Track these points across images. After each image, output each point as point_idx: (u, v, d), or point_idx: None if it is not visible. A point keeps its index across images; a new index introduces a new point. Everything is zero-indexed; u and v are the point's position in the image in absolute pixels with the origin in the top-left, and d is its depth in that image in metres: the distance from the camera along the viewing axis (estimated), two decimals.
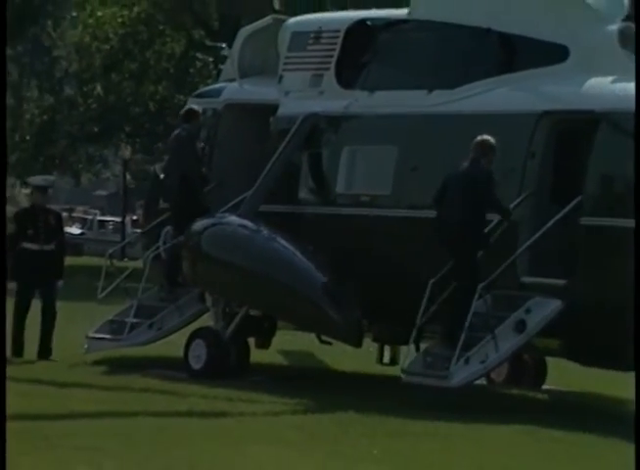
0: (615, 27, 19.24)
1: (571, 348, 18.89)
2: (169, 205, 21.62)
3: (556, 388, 20.91)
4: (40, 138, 59.39)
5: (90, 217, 69.10)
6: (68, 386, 18.53)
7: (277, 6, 23.26)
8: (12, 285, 21.21)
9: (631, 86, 18.46)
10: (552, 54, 19.25)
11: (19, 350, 20.85)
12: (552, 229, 18.07)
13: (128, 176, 67.99)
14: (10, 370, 18.88)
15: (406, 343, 19.07)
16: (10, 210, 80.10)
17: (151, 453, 13.39)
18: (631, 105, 18.05)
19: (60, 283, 21.55)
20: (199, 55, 53.60)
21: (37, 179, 24.18)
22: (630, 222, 17.73)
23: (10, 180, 72.34)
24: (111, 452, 13.26)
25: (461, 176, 18.12)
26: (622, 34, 19.36)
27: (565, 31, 19.18)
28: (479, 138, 18.05)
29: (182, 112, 22.39)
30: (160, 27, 56.08)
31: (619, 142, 18.24)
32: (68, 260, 47.97)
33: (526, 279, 18.35)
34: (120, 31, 55.39)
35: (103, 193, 79.63)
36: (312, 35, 21.43)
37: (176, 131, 21.66)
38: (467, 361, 17.84)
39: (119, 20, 55.30)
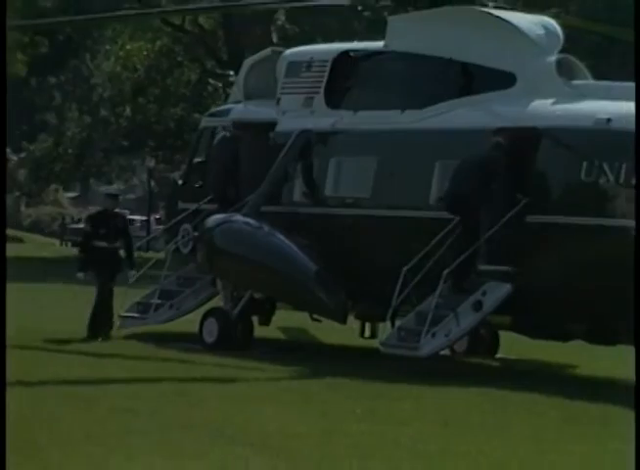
0: (553, 58, 19.31)
1: (519, 323, 18.95)
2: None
3: (507, 356, 20.84)
4: (80, 151, 59.30)
5: (129, 217, 68.93)
6: (103, 356, 18.57)
7: (275, 40, 23.03)
8: (80, 275, 21.24)
9: (566, 107, 18.62)
10: (502, 80, 19.22)
11: (96, 328, 20.55)
12: (503, 226, 18.10)
13: (152, 183, 67.80)
14: (61, 345, 18.94)
15: (383, 320, 19.04)
16: (53, 210, 79.91)
17: (173, 413, 13.45)
18: (566, 122, 18.23)
19: (132, 273, 21.41)
20: (211, 81, 53.47)
21: (109, 189, 24.19)
22: (566, 219, 17.87)
23: (54, 186, 72.31)
24: (139, 412, 13.32)
25: None
26: (559, 64, 19.40)
27: (513, 61, 19.18)
28: None
29: None
30: (179, 59, 56.05)
31: (558, 152, 18.29)
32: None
33: (483, 267, 18.36)
34: (146, 62, 55.38)
35: (132, 196, 79.54)
36: (305, 64, 21.35)
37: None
38: (433, 335, 17.87)
39: (145, 52, 55.26)
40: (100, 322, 20.62)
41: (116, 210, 22.18)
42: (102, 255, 20.59)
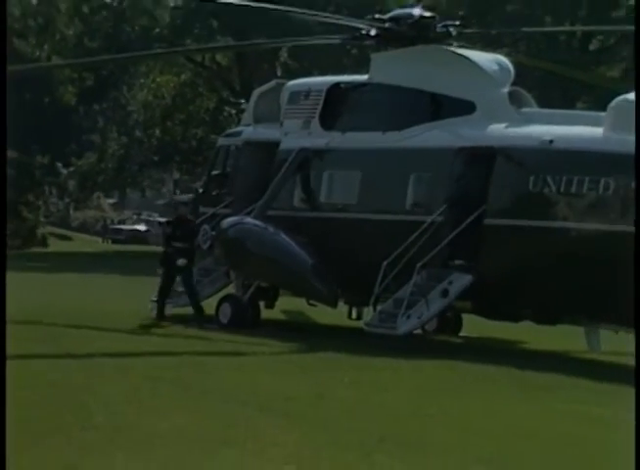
0: (506, 90, 19.28)
1: (478, 307, 18.97)
2: None
3: (469, 335, 20.84)
4: (118, 166, 59.37)
5: (152, 219, 68.75)
6: (137, 333, 18.66)
7: (279, 73, 23.06)
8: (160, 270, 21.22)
9: (516, 130, 18.56)
10: (465, 108, 19.18)
11: (161, 314, 20.54)
12: (465, 228, 18.13)
13: (178, 191, 67.77)
14: (103, 323, 19.11)
15: (367, 305, 19.18)
16: (96, 214, 78.91)
17: (193, 380, 13.48)
18: (517, 142, 18.23)
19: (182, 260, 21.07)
20: (226, 108, 53.38)
21: (182, 198, 23.74)
22: (516, 222, 17.85)
23: (97, 194, 72.29)
24: (165, 379, 13.37)
25: None
26: (511, 95, 19.42)
27: (473, 93, 19.13)
28: None
29: None
30: (200, 90, 56.03)
31: (511, 167, 18.27)
32: (138, 248, 47.88)
33: (451, 261, 18.40)
34: (172, 92, 55.38)
35: (160, 202, 79.50)
36: (303, 94, 21.27)
37: None
38: (408, 317, 17.87)
39: (171, 84, 55.27)
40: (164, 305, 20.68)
41: (188, 216, 21.81)
42: (178, 254, 20.44)
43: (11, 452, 8.11)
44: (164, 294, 20.56)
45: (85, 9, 51.71)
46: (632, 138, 17.14)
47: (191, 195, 29.48)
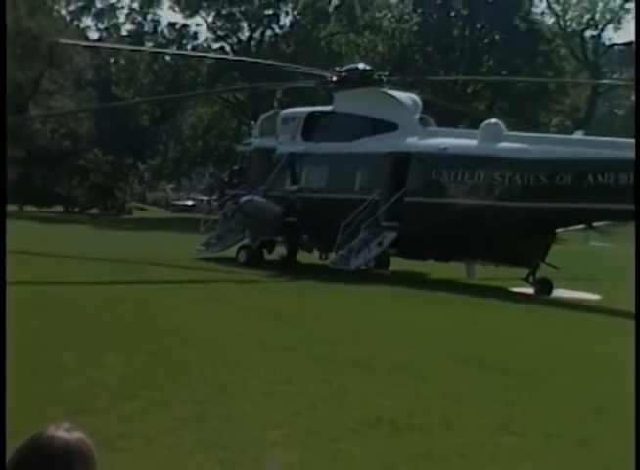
0: (417, 116, 19.32)
1: (400, 252, 18.98)
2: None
3: (395, 269, 20.90)
4: (176, 165, 58.88)
5: (196, 198, 68.21)
6: (185, 268, 18.29)
7: (275, 105, 22.88)
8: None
9: (424, 141, 18.37)
10: (392, 127, 19.14)
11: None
12: (392, 203, 18.13)
13: (212, 180, 67.31)
14: (163, 260, 18.84)
15: (331, 251, 19.18)
16: (162, 194, 77.91)
17: (221, 296, 13.39)
18: (424, 149, 18.06)
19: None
20: (243, 127, 52.85)
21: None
22: (422, 199, 17.68)
23: (163, 182, 71.68)
24: (203, 297, 13.28)
25: None
26: (420, 119, 19.37)
27: (397, 117, 19.09)
28: None
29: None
30: (226, 116, 55.49)
31: (420, 165, 18.16)
32: (187, 215, 47.79)
33: (383, 223, 18.38)
34: (209, 118, 54.87)
35: (201, 187, 79.19)
36: (291, 118, 21.13)
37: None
38: (357, 258, 17.97)
39: (208, 113, 54.71)
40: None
41: None
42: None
43: None
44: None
45: (155, 66, 51.97)
46: (494, 145, 17.32)
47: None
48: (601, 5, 55.81)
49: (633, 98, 55.86)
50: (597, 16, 55.97)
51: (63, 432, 1.73)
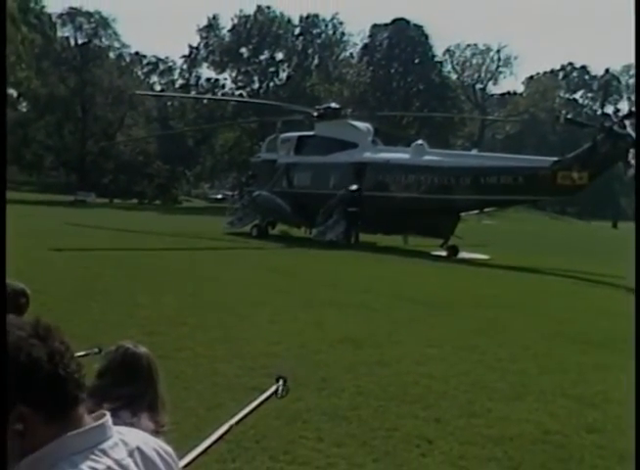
0: (370, 138, 19.02)
1: (360, 228, 18.53)
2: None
3: (361, 241, 20.63)
4: (211, 171, 58.29)
5: (225, 193, 66.86)
6: (215, 239, 17.39)
7: (277, 131, 22.54)
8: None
9: (375, 154, 18.12)
10: (354, 146, 18.84)
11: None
12: (355, 196, 17.72)
13: (236, 181, 66.24)
14: (201, 233, 18.06)
15: (314, 227, 18.75)
16: (202, 191, 76.79)
17: (239, 259, 13.05)
18: (374, 160, 17.75)
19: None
20: (255, 146, 52.11)
21: None
22: (373, 193, 17.33)
23: (202, 183, 70.27)
24: (228, 260, 12.79)
25: None
26: (372, 141, 19.10)
27: (357, 139, 18.77)
28: None
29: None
30: (244, 138, 54.68)
31: (374, 170, 17.86)
32: (219, 205, 47.00)
33: (348, 209, 17.83)
34: (233, 140, 54.16)
35: (228, 186, 77.90)
36: (287, 140, 20.75)
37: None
38: (330, 232, 17.72)
39: (232, 136, 53.93)
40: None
41: None
42: None
43: None
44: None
45: (197, 106, 52.03)
46: (421, 157, 17.12)
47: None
48: (484, 68, 63.59)
49: (508, 128, 62.79)
50: (482, 75, 64.02)
51: (138, 346, 1.83)
